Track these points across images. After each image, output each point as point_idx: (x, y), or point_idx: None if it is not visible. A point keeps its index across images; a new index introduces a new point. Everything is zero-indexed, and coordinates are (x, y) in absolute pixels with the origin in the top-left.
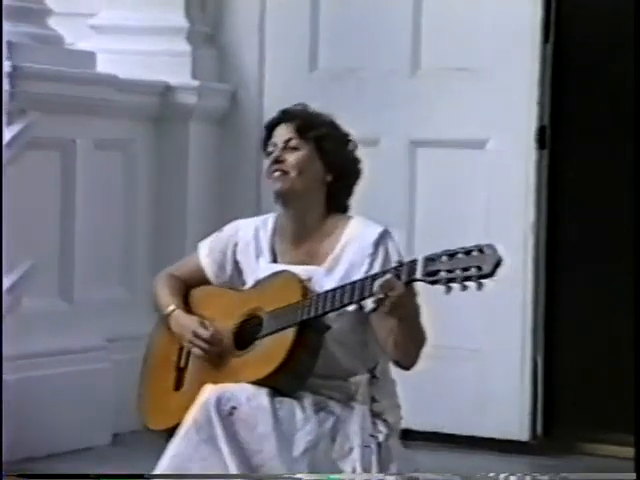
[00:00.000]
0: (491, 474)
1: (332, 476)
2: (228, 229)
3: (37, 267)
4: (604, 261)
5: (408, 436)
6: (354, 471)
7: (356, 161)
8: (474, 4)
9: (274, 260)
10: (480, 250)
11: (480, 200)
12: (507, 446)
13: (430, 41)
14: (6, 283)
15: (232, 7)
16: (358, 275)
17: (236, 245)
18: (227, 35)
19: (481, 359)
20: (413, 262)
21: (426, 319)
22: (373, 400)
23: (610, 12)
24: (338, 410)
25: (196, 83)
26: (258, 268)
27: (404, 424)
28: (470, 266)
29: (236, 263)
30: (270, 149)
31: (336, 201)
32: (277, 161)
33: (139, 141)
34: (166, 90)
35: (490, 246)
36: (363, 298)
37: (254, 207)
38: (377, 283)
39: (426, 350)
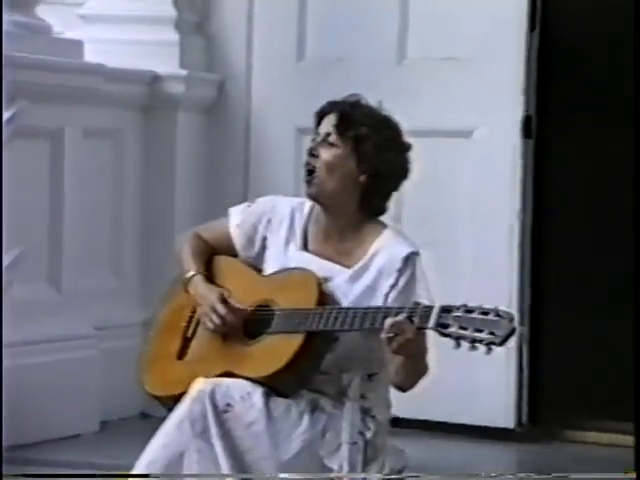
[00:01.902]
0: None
1: None
2: (263, 203)
3: (26, 255)
4: (590, 250)
5: (396, 424)
6: (341, 468)
7: (398, 164)
8: None
9: (304, 247)
10: (497, 314)
11: (466, 188)
12: (493, 433)
13: (416, 31)
14: None
15: None
16: (385, 285)
17: (269, 222)
18: (215, 24)
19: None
20: (428, 309)
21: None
22: (362, 396)
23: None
24: (329, 407)
25: (184, 72)
26: (286, 252)
27: (392, 412)
28: (483, 329)
29: (264, 239)
30: (313, 137)
31: (370, 201)
32: (311, 154)
33: (127, 130)
34: (154, 79)
35: (508, 313)
36: (373, 329)
37: (242, 196)
38: (388, 322)
39: None
